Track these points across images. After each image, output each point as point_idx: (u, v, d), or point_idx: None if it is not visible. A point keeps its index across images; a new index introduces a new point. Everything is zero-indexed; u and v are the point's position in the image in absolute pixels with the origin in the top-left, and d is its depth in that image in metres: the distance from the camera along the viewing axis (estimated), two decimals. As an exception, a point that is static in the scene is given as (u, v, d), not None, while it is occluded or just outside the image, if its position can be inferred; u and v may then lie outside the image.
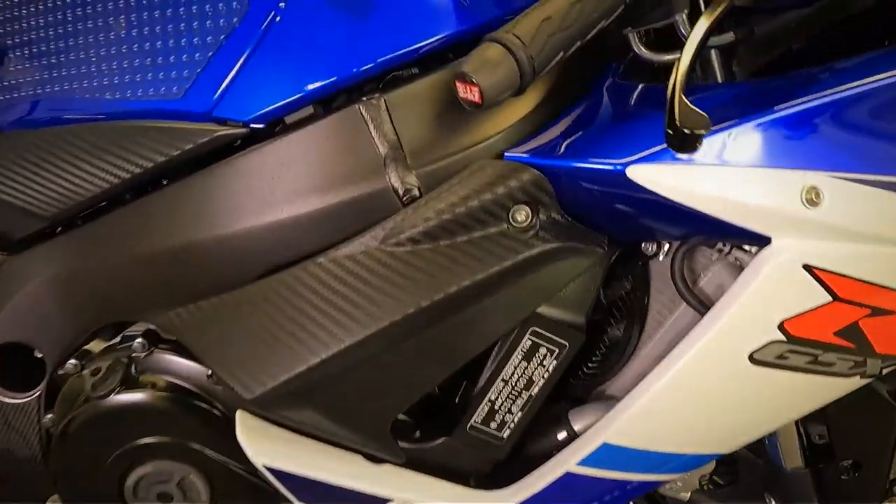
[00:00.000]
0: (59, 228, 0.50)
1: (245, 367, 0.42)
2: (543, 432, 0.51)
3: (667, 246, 0.52)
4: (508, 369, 0.46)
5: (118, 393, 0.50)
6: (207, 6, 0.42)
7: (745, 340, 0.42)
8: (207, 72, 0.42)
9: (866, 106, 0.39)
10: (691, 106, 0.33)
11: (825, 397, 0.49)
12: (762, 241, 0.40)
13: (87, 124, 0.46)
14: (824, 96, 0.39)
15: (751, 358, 0.43)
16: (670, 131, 0.33)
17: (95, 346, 0.56)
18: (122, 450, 0.50)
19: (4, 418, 0.53)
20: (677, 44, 0.43)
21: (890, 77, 0.39)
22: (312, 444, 0.46)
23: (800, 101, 0.39)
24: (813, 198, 0.39)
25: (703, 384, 0.44)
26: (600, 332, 0.54)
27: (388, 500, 0.47)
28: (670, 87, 0.33)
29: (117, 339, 0.53)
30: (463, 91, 0.35)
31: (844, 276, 0.41)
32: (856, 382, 0.48)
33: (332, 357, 0.40)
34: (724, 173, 0.38)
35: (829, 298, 0.42)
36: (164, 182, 0.46)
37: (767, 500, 0.65)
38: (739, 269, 0.51)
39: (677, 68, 0.33)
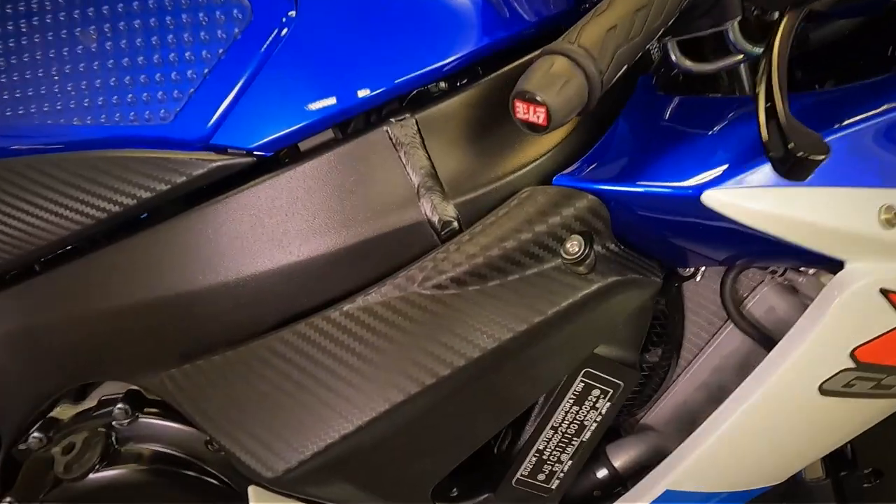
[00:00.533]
0: (12, 276, 0.42)
1: (263, 440, 0.35)
2: (582, 471, 0.47)
3: (704, 267, 0.49)
4: (559, 416, 0.41)
5: (97, 471, 0.42)
6: (201, 14, 0.35)
7: (817, 371, 0.39)
8: (202, 91, 0.35)
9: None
10: (802, 127, 0.29)
11: (877, 418, 0.47)
12: (835, 264, 0.37)
13: (51, 155, 0.38)
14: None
15: (820, 389, 0.40)
16: (777, 155, 0.29)
17: (61, 412, 0.47)
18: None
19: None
20: (719, 54, 0.40)
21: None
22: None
23: (871, 113, 0.36)
24: (891, 218, 0.36)
25: (774, 420, 0.41)
26: (637, 360, 0.51)
27: (430, 574, 0.41)
28: (762, 104, 0.29)
29: (93, 404, 0.45)
30: (524, 112, 0.30)
31: (917, 297, 0.39)
32: (890, 405, 0.46)
33: (368, 423, 0.34)
34: (798, 195, 0.35)
35: (899, 322, 0.39)
36: (149, 220, 0.39)
37: (787, 512, 0.63)
38: (792, 290, 0.48)
39: (768, 81, 0.30)
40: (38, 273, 0.41)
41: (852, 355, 0.40)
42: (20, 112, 0.38)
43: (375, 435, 0.35)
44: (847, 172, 0.36)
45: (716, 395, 0.49)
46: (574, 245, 0.37)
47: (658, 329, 0.51)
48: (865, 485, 0.64)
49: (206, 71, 0.35)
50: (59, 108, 0.37)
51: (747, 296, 0.47)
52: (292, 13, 0.35)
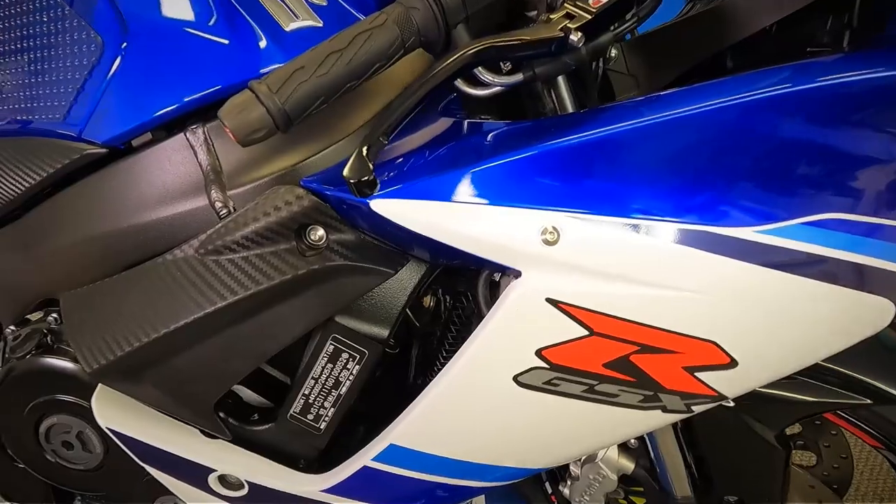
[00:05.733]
0: None
1: (92, 342, 0.51)
2: (352, 427, 0.57)
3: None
4: (317, 369, 0.52)
5: (32, 356, 0.61)
6: (76, 48, 0.50)
7: (505, 363, 0.45)
8: (78, 99, 0.51)
9: (608, 150, 0.41)
10: (366, 163, 0.37)
11: (632, 427, 0.51)
12: (516, 273, 0.43)
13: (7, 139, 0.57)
14: (569, 139, 0.41)
15: (516, 380, 0.46)
16: (345, 178, 0.37)
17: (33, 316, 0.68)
18: (34, 403, 0.62)
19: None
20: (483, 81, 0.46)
21: (632, 124, 0.40)
22: (159, 416, 0.55)
23: (546, 143, 0.41)
24: (549, 237, 0.41)
25: (470, 397, 0.47)
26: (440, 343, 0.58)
27: (213, 471, 0.54)
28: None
29: (41, 314, 0.65)
30: (224, 129, 0.41)
31: (594, 311, 0.43)
32: (661, 416, 0.49)
33: (153, 341, 0.48)
34: (466, 211, 0.41)
35: (586, 332, 0.44)
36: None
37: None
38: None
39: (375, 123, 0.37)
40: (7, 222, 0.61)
41: (540, 355, 0.45)
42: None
43: (161, 352, 0.49)
44: (517, 192, 0.41)
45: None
46: (316, 234, 0.47)
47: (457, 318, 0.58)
48: (726, 510, 0.66)
49: (78, 87, 0.51)
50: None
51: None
52: (124, 44, 0.49)
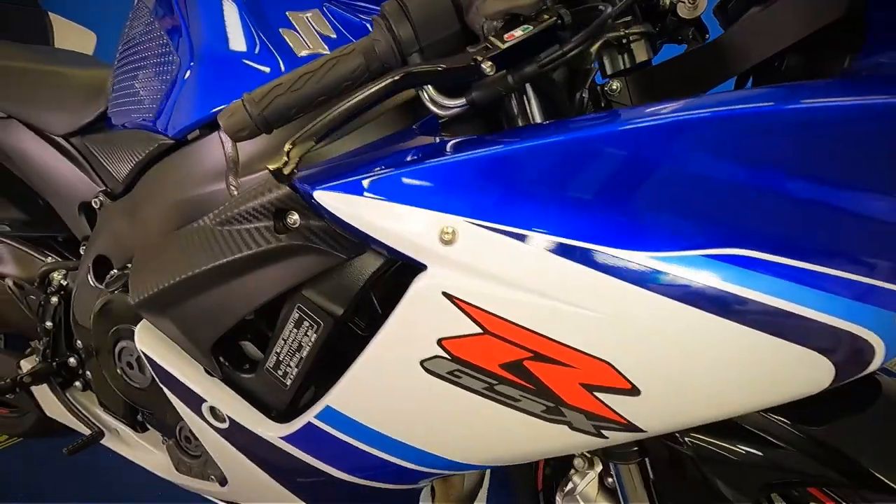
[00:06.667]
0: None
1: (140, 282, 0.67)
2: (319, 393, 0.65)
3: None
4: (286, 332, 0.62)
5: (119, 292, 0.81)
6: (164, 66, 0.68)
7: (412, 347, 0.51)
8: (162, 105, 0.69)
9: (511, 164, 0.45)
10: (283, 157, 0.46)
11: (546, 441, 0.52)
12: (423, 266, 0.49)
13: (124, 130, 0.78)
14: (479, 152, 0.46)
15: (423, 366, 0.51)
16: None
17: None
18: (115, 328, 0.81)
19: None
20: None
21: (535, 142, 0.44)
22: (179, 351, 0.69)
23: (458, 154, 0.46)
24: (446, 237, 0.46)
25: (385, 373, 0.53)
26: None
27: (205, 401, 0.67)
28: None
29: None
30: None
31: (485, 310, 0.47)
32: (572, 435, 0.50)
33: (175, 284, 0.63)
34: (382, 206, 0.48)
35: (479, 330, 0.48)
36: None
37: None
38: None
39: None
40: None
41: (442, 345, 0.49)
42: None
43: (179, 295, 0.63)
44: (426, 196, 0.47)
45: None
46: (291, 217, 0.57)
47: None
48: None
49: (163, 94, 0.69)
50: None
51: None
52: (192, 64, 0.65)
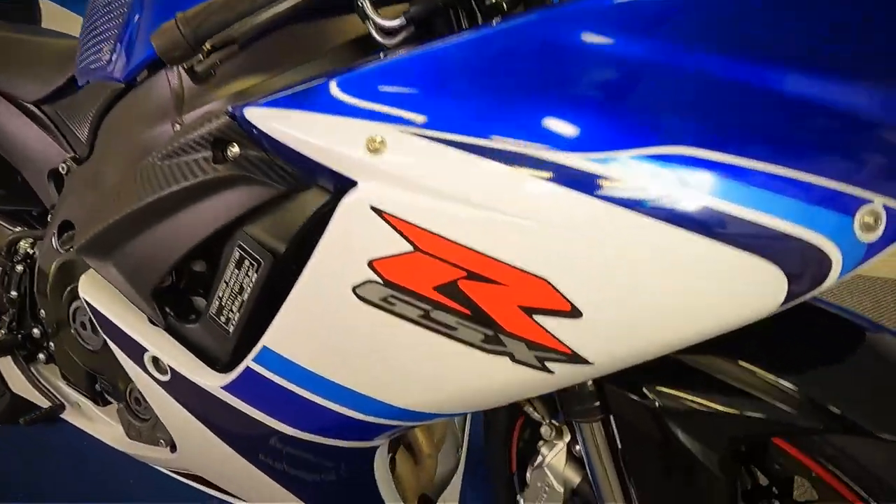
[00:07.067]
0: None
1: (84, 229, 0.65)
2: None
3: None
4: (227, 273, 0.59)
5: (70, 250, 0.79)
6: (121, 14, 0.68)
7: (343, 272, 0.48)
8: (114, 48, 0.68)
9: (437, 65, 0.42)
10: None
11: (488, 376, 0.49)
12: (352, 183, 0.46)
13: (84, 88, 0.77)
14: (405, 55, 0.43)
15: (355, 293, 0.48)
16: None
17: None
18: (71, 287, 0.79)
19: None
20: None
21: (461, 39, 0.41)
22: (123, 300, 0.67)
23: (381, 62, 0.44)
24: (373, 147, 0.43)
25: (317, 304, 0.50)
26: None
27: (147, 350, 0.64)
28: None
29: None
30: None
31: (416, 225, 0.44)
32: (514, 368, 0.47)
33: (117, 222, 0.61)
34: (311, 119, 0.46)
35: (410, 248, 0.45)
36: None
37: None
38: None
39: None
40: None
41: (373, 267, 0.46)
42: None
43: (124, 233, 0.61)
44: (348, 105, 0.45)
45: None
46: (233, 150, 0.55)
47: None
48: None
49: (116, 40, 0.68)
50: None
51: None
52: (144, 3, 0.64)
